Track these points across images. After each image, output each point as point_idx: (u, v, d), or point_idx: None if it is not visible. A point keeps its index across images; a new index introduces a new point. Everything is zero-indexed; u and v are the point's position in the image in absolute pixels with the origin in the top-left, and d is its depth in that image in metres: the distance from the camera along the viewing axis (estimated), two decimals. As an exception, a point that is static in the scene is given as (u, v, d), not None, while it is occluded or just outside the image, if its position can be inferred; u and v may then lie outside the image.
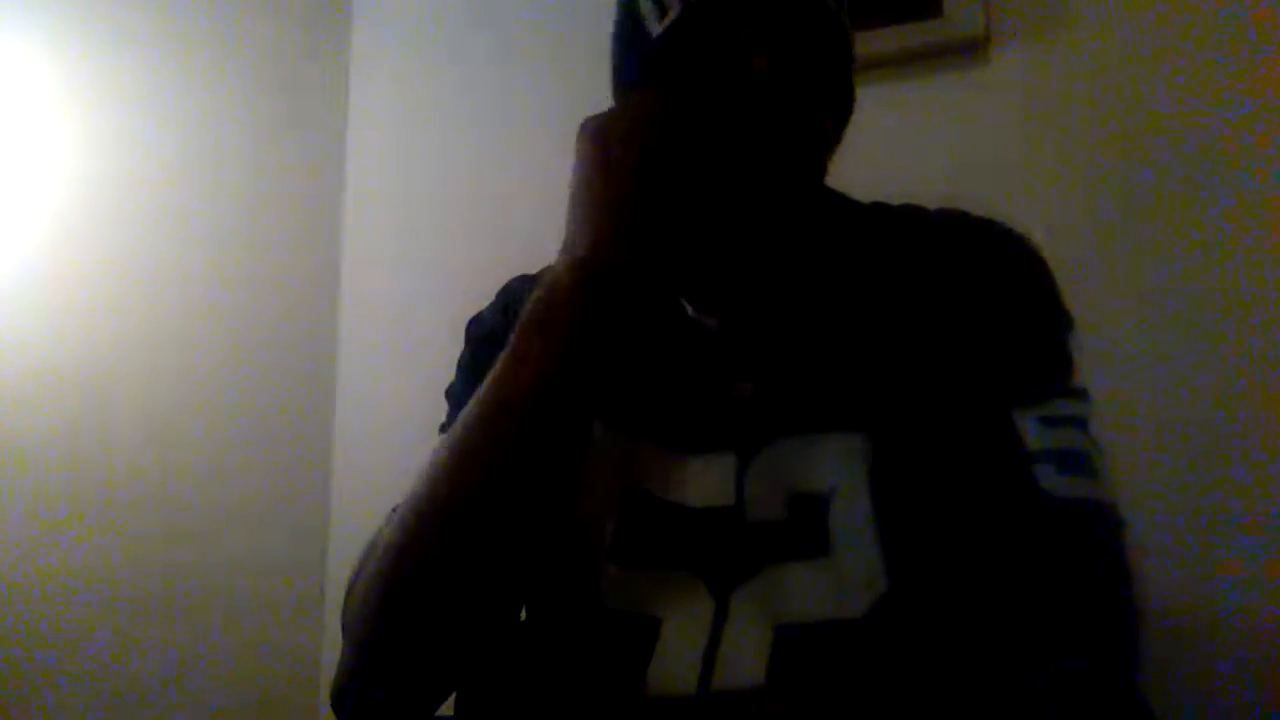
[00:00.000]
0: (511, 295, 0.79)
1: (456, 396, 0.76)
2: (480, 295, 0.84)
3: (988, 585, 0.60)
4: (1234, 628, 1.04)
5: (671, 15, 0.67)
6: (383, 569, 0.61)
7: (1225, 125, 1.12)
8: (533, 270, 0.81)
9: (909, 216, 0.75)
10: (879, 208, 0.77)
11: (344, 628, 0.66)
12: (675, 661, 0.63)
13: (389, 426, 1.60)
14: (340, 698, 0.64)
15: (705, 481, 0.67)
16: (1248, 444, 1.07)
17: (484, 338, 0.76)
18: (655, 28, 0.68)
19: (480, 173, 1.62)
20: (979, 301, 0.67)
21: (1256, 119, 1.11)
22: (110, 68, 1.44)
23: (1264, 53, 1.12)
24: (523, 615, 0.71)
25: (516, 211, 1.54)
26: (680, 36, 0.67)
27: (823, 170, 0.73)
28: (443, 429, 0.73)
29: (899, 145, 1.26)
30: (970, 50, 1.25)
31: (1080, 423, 0.64)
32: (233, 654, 1.47)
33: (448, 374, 0.80)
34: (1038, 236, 0.74)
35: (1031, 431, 0.62)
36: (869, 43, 1.26)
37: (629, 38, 0.72)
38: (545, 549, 0.64)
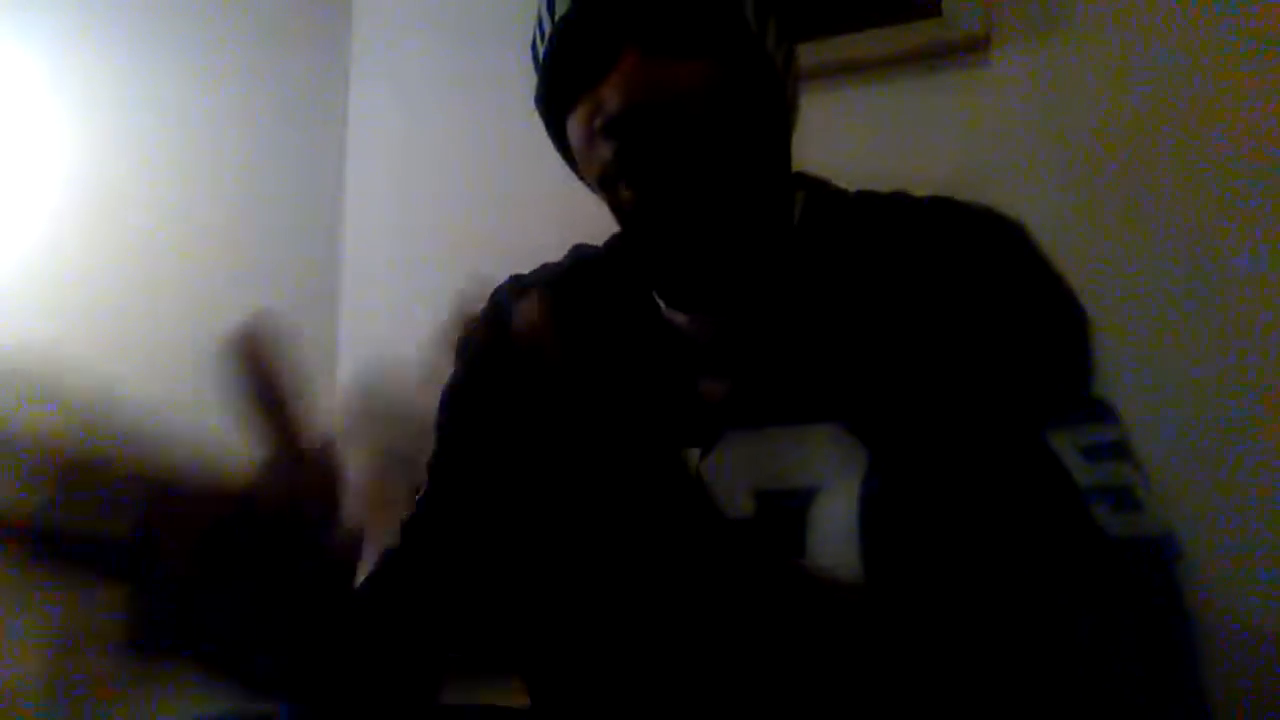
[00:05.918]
0: (500, 310, 0.76)
1: (434, 470, 0.76)
2: (479, 295, 0.84)
3: (1020, 609, 0.55)
4: (1234, 628, 1.04)
5: (550, 34, 0.66)
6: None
7: (1225, 125, 1.12)
8: (526, 269, 0.81)
9: (896, 204, 0.71)
10: (866, 196, 0.74)
11: None
12: None
13: (389, 427, 1.60)
14: None
15: None
16: (1248, 443, 1.07)
17: (459, 393, 0.75)
18: (542, 48, 0.68)
19: (480, 172, 1.62)
20: (969, 294, 0.63)
21: (1256, 118, 1.11)
22: (109, 68, 1.44)
23: (1264, 52, 1.12)
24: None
25: (516, 211, 1.54)
26: (558, 56, 0.66)
27: (783, 161, 0.71)
28: (428, 468, 0.75)
29: (899, 145, 1.26)
30: (970, 50, 1.25)
31: (1123, 450, 0.59)
32: (233, 654, 1.47)
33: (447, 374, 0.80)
34: (1038, 237, 0.73)
35: (1077, 466, 0.58)
36: (869, 43, 1.27)
37: (535, 54, 0.71)
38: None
